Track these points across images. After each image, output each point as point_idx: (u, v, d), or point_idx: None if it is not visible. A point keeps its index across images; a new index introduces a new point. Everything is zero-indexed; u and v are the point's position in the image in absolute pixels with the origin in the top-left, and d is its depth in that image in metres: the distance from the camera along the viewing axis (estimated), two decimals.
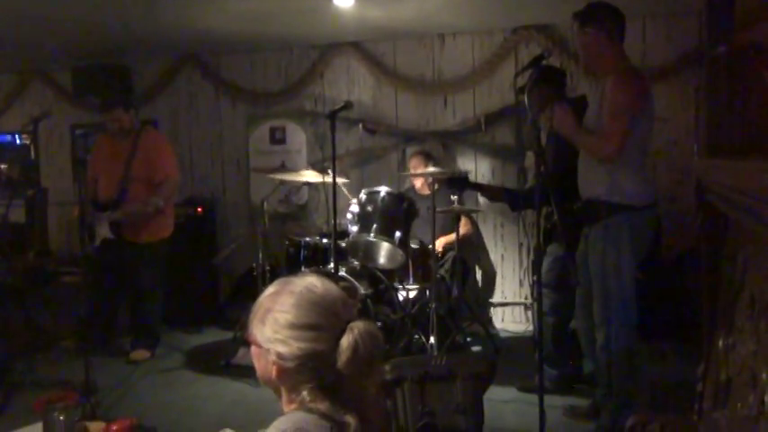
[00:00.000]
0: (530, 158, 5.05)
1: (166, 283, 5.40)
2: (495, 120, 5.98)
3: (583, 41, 3.44)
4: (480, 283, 6.03)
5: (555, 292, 4.09)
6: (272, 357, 1.55)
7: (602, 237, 3.39)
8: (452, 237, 5.02)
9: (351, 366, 1.50)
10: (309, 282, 1.60)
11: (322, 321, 1.53)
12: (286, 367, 1.54)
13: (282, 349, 1.53)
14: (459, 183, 4.43)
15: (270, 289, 1.63)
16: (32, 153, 7.03)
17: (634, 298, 3.39)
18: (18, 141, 7.32)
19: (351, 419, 1.51)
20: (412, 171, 5.48)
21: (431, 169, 4.93)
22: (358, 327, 1.53)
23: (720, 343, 2.32)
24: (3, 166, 7.28)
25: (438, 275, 4.93)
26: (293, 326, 1.53)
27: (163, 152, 5.22)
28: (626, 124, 3.28)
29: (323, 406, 1.52)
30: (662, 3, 5.16)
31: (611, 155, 3.32)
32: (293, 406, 1.56)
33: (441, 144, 6.11)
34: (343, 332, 1.52)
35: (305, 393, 1.54)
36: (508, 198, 4.47)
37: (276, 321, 1.55)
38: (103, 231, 5.02)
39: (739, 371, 2.01)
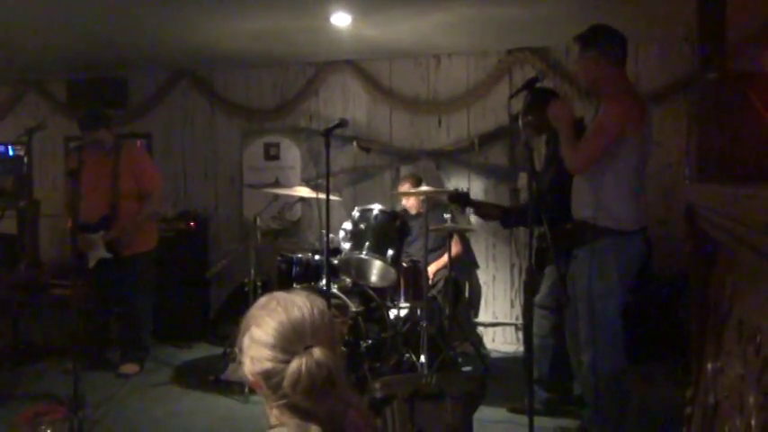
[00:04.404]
0: (522, 179, 5.08)
1: (157, 297, 5.39)
2: (489, 140, 6.02)
3: (584, 64, 3.43)
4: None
5: (554, 314, 4.07)
6: (245, 368, 1.59)
7: (588, 260, 3.37)
8: (444, 260, 5.04)
9: (293, 391, 1.50)
10: (291, 301, 1.60)
11: (281, 343, 1.53)
12: (254, 380, 1.58)
13: (248, 363, 1.57)
14: (461, 198, 4.43)
15: (259, 301, 1.66)
16: (25, 164, 7.02)
17: (620, 321, 3.38)
18: (11, 152, 7.31)
19: (317, 431, 1.52)
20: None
21: (424, 188, 4.95)
22: (310, 354, 1.51)
23: (709, 366, 2.33)
24: None
25: (430, 295, 4.94)
26: (259, 343, 1.55)
27: (148, 164, 5.26)
28: (602, 143, 3.28)
29: (292, 423, 1.54)
30: (656, 29, 5.22)
31: (575, 167, 3.37)
32: (272, 419, 1.59)
33: (434, 163, 6.14)
34: (295, 357, 1.51)
35: (276, 411, 1.57)
36: (501, 215, 4.46)
37: (251, 335, 1.58)
38: (98, 252, 4.97)
39: (727, 394, 2.02)
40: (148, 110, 6.95)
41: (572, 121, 3.43)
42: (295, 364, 1.49)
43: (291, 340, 1.53)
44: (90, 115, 5.11)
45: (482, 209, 4.57)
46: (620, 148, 3.28)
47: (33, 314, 5.72)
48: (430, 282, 5.18)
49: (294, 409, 1.54)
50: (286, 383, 1.50)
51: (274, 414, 1.57)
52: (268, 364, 1.52)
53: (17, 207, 6.55)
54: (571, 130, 3.40)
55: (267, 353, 1.53)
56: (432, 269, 5.28)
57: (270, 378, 1.53)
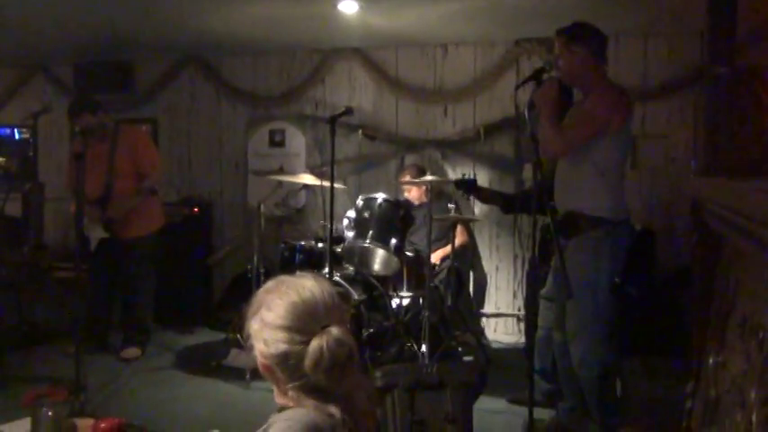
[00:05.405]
0: (528, 170, 5.05)
1: (159, 281, 5.40)
2: (495, 130, 5.99)
3: (570, 59, 3.43)
4: (471, 293, 6.02)
5: None
6: (256, 353, 1.59)
7: (581, 249, 3.36)
8: (448, 249, 5.03)
9: (315, 370, 1.50)
10: (300, 283, 1.60)
11: (297, 324, 1.53)
12: (267, 364, 1.57)
13: (262, 347, 1.57)
14: (468, 184, 4.41)
15: (267, 285, 1.65)
16: (31, 147, 7.02)
17: (609, 312, 3.37)
18: (17, 135, 7.31)
19: (336, 411, 1.52)
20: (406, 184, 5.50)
21: (429, 177, 4.93)
22: (329, 333, 1.52)
23: (711, 360, 2.33)
24: (1, 159, 7.28)
25: (432, 284, 4.93)
26: (272, 326, 1.55)
27: (146, 146, 5.26)
28: (587, 132, 3.29)
29: (310, 403, 1.54)
30: (664, 21, 5.18)
31: (555, 151, 3.39)
32: (283, 400, 1.59)
33: (439, 153, 6.13)
34: (314, 336, 1.52)
35: (291, 393, 1.56)
36: (504, 201, 4.45)
37: (261, 319, 1.58)
38: (98, 232, 5.02)
39: (728, 389, 2.02)
40: (154, 95, 6.93)
41: (558, 102, 3.40)
42: (315, 344, 1.50)
43: (306, 321, 1.53)
44: (74, 102, 5.17)
45: (485, 194, 4.56)
46: (606, 139, 3.30)
47: (36, 297, 5.74)
48: (435, 269, 5.16)
49: (312, 389, 1.54)
50: (308, 363, 1.50)
51: (290, 396, 1.56)
52: (284, 346, 1.52)
53: (22, 190, 6.56)
54: (555, 112, 3.38)
55: (282, 335, 1.53)
56: (437, 255, 5.27)
57: (286, 360, 1.53)
